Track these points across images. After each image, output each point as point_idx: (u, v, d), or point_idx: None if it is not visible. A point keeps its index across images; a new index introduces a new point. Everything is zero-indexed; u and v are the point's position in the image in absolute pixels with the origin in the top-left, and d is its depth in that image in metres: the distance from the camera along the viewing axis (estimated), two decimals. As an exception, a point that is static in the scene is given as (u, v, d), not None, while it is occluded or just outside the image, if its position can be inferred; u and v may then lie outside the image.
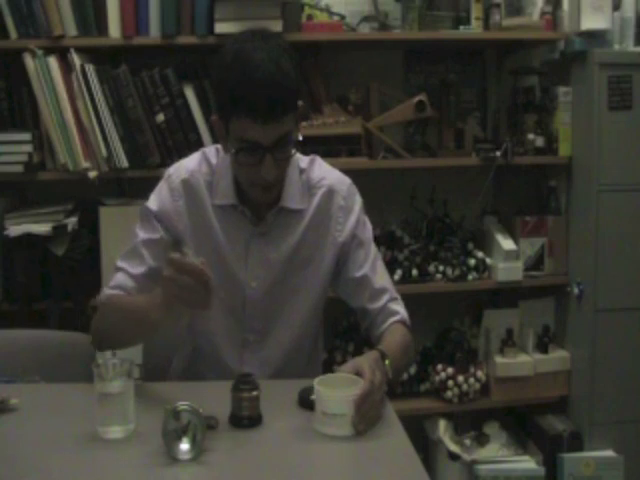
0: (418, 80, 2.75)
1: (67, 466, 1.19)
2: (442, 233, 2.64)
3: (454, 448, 2.58)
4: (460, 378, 2.57)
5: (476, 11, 2.53)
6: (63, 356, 1.73)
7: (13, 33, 2.29)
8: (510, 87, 2.72)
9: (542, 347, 2.67)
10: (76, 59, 2.28)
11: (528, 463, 2.58)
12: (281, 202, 1.58)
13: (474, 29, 2.53)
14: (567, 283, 2.64)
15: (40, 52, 2.25)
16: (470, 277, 2.59)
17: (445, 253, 2.60)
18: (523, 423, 2.79)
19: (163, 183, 1.62)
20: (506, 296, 2.74)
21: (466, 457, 2.58)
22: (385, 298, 1.64)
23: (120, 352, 1.52)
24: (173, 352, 1.75)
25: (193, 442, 1.19)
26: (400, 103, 2.53)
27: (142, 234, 1.59)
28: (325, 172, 1.65)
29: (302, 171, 1.63)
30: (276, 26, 2.29)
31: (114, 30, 2.32)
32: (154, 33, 2.34)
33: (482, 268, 2.61)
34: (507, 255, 2.58)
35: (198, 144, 2.31)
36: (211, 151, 1.64)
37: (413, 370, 2.62)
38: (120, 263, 1.59)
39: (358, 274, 1.63)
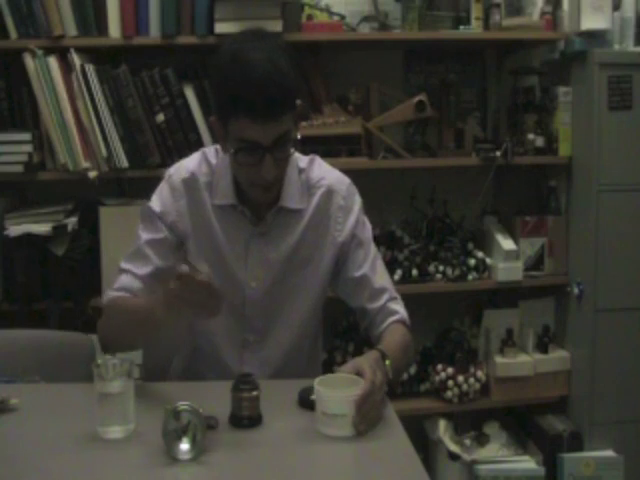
0: (418, 80, 2.75)
1: (67, 466, 1.19)
2: (442, 233, 2.64)
3: (454, 448, 2.58)
4: (460, 378, 2.57)
5: (476, 11, 2.53)
6: (63, 356, 1.73)
7: (13, 33, 2.29)
8: (510, 87, 2.72)
9: (542, 347, 2.67)
10: (76, 59, 2.28)
11: (528, 463, 2.58)
12: (280, 202, 1.58)
13: (474, 29, 2.53)
14: (567, 283, 2.64)
15: (40, 52, 2.25)
16: (470, 277, 2.59)
17: (445, 253, 2.59)
18: (523, 423, 2.78)
19: (164, 184, 1.62)
20: (506, 296, 2.74)
21: (466, 457, 2.58)
22: (385, 298, 1.64)
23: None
24: (173, 352, 1.75)
25: (193, 442, 1.19)
26: (400, 103, 2.52)
27: (145, 235, 1.59)
28: (324, 172, 1.65)
29: (301, 171, 1.63)
30: (276, 26, 2.30)
31: (114, 30, 2.32)
32: (154, 33, 2.33)
33: (482, 268, 2.60)
34: (507, 255, 2.58)
35: (198, 144, 2.31)
36: (211, 151, 1.64)
37: (413, 370, 2.62)
38: (124, 265, 1.59)
39: (357, 274, 1.63)
